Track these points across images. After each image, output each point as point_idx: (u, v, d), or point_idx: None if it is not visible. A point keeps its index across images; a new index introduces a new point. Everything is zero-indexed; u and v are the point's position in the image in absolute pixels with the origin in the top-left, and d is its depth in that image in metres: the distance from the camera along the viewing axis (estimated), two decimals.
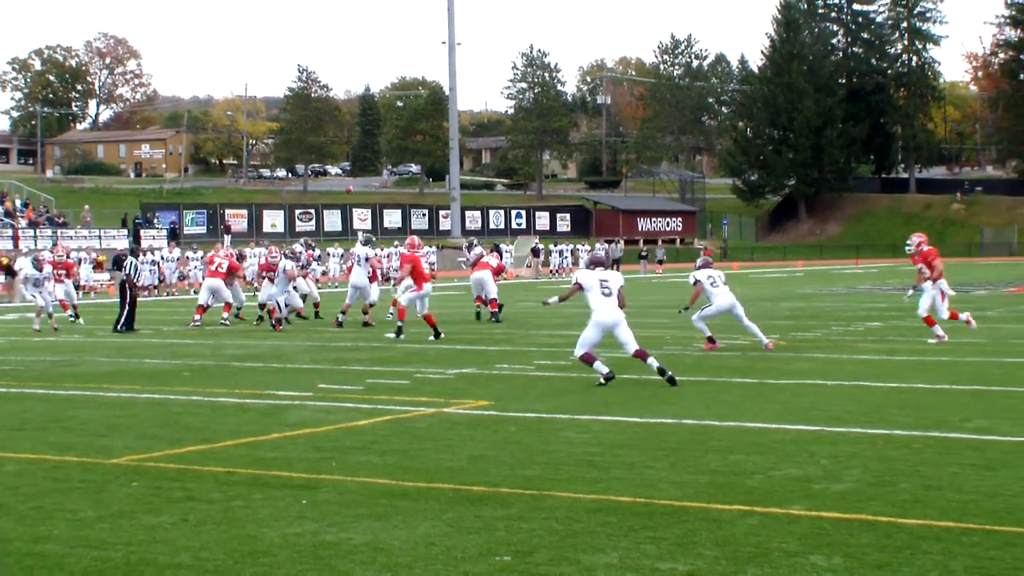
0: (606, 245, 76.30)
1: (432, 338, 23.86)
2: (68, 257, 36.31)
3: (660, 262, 79.27)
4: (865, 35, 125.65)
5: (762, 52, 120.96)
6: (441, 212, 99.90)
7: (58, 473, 10.67)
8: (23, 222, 70.15)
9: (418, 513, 8.82)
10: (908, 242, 23.24)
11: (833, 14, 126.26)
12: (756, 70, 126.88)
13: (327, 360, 20.74)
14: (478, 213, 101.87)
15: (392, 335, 24.56)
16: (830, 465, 10.40)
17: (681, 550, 7.67)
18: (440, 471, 10.40)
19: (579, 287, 16.98)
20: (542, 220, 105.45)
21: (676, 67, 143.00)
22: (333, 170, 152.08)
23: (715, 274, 21.88)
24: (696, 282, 21.74)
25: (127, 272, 29.38)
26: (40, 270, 28.75)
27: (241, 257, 38.99)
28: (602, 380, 16.39)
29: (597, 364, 16.57)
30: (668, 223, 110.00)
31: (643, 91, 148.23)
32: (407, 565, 7.42)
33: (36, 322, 28.22)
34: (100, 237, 69.97)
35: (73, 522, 8.74)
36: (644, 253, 79.90)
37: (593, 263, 17.45)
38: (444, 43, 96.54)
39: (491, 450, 11.46)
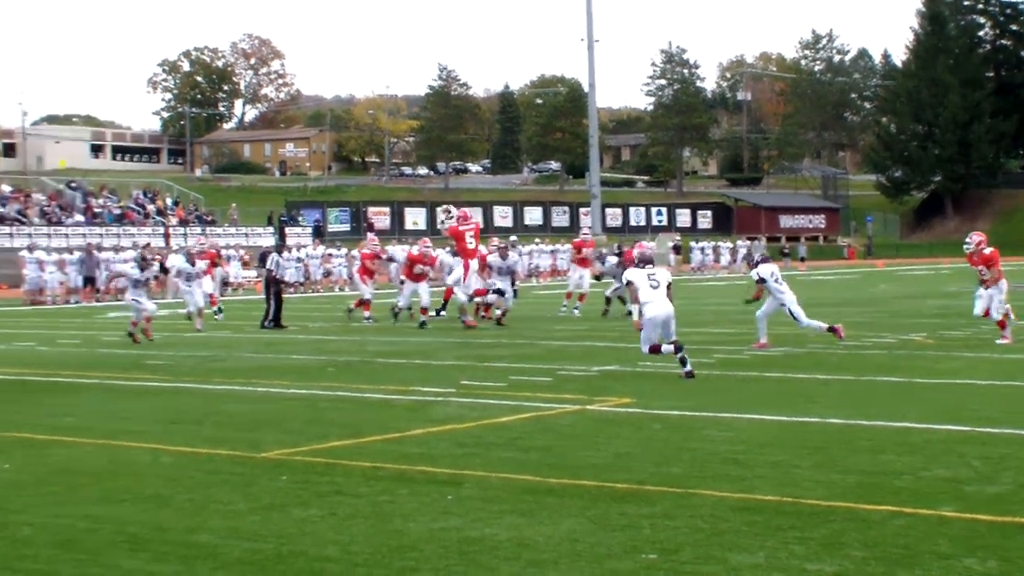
0: (748, 242, 75.78)
1: (433, 313, 26.92)
2: (213, 248, 37.10)
3: (802, 259, 78.48)
4: (1014, 27, 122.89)
5: (906, 46, 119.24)
6: (581, 209, 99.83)
7: (210, 466, 10.89)
8: (173, 220, 71.60)
9: (562, 510, 8.85)
10: (967, 241, 22.65)
11: (980, 6, 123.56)
12: (899, 64, 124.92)
13: (470, 357, 20.86)
14: (618, 210, 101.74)
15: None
16: (982, 467, 10.20)
17: (828, 551, 7.59)
18: (584, 468, 10.41)
19: (631, 285, 17.69)
20: (683, 217, 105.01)
21: (818, 62, 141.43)
22: (474, 168, 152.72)
23: (777, 272, 21.62)
24: (760, 280, 21.45)
25: (270, 268, 29.82)
26: (192, 265, 29.23)
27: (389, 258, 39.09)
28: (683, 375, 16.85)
29: (665, 348, 17.18)
30: (811, 220, 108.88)
31: (784, 87, 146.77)
32: (552, 561, 7.45)
33: (198, 322, 28.57)
34: (247, 235, 71.16)
35: (226, 514, 8.91)
36: (787, 250, 79.20)
37: (642, 261, 17.85)
38: (583, 40, 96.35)
39: (635, 447, 11.45)
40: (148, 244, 47.60)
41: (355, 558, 7.58)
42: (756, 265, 22.01)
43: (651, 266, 17.80)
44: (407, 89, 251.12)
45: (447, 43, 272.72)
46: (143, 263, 24.92)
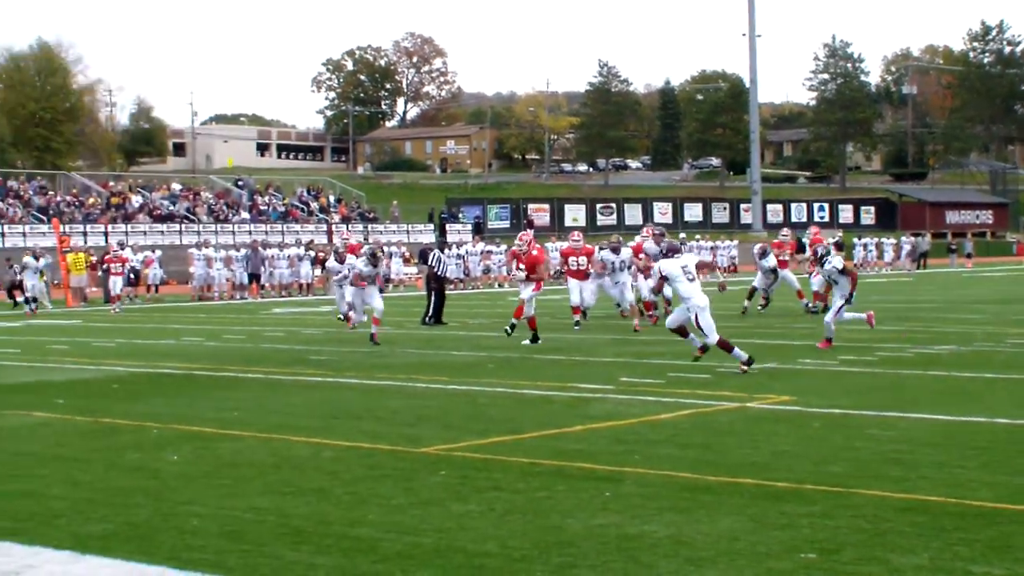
0: (913, 238, 74.48)
1: (528, 342, 22.95)
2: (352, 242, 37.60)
3: (968, 256, 76.90)
4: None
5: None
6: (742, 206, 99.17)
7: (371, 460, 11.03)
8: (336, 217, 72.62)
9: (721, 507, 8.80)
10: None
11: None
12: None
13: (628, 353, 20.83)
14: (779, 206, 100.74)
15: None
16: None
17: (996, 553, 7.43)
18: (742, 466, 10.34)
19: (664, 278, 17.75)
20: (845, 213, 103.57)
21: (987, 54, 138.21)
22: (633, 164, 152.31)
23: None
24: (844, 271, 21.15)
25: (431, 265, 30.05)
26: (341, 263, 29.48)
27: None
28: (743, 367, 17.05)
29: (736, 351, 17.17)
30: (978, 216, 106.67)
31: (951, 80, 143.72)
32: (710, 559, 7.41)
33: (352, 319, 28.61)
34: (408, 232, 71.86)
35: (386, 508, 9.02)
36: (953, 247, 77.66)
37: (671, 251, 17.76)
38: (744, 35, 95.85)
39: (794, 446, 11.34)
40: (377, 241, 48.06)
41: (513, 553, 7.62)
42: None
43: (679, 255, 17.77)
44: (567, 86, 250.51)
45: (608, 39, 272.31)
46: (373, 260, 24.77)
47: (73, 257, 45.31)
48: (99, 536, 8.29)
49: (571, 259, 27.44)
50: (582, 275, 27.17)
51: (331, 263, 30.07)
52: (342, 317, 29.29)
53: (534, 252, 24.39)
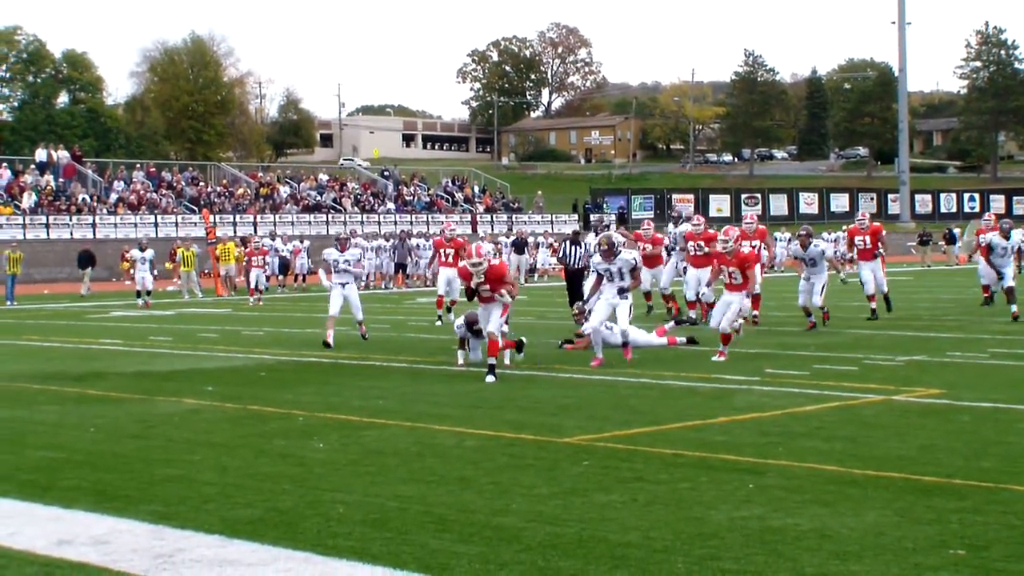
0: None
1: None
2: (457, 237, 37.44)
3: None
4: None
5: None
6: (890, 196, 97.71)
7: (513, 450, 11.08)
8: (480, 208, 73.00)
9: (866, 501, 8.69)
10: None
11: None
12: None
13: (773, 345, 20.65)
14: (928, 197, 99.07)
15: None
16: None
17: None
18: (889, 459, 10.20)
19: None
20: (996, 203, 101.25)
21: None
22: (779, 154, 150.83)
23: None
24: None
25: (560, 256, 29.96)
26: (342, 251, 28.38)
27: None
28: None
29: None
30: None
31: None
32: (856, 554, 7.33)
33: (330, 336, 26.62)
34: (552, 222, 71.99)
35: (529, 497, 9.06)
36: None
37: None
38: (893, 23, 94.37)
39: (943, 439, 11.16)
40: (354, 231, 48.09)
41: (655, 544, 7.61)
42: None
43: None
44: (713, 75, 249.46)
45: (754, 28, 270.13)
46: (341, 244, 23.37)
47: (222, 247, 45.99)
48: (247, 521, 8.45)
49: (691, 244, 24.78)
50: (706, 262, 23.21)
51: (328, 252, 23.66)
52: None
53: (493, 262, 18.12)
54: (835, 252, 29.31)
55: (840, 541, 7.61)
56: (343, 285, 22.76)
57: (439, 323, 26.35)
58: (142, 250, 39.31)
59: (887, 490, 9.05)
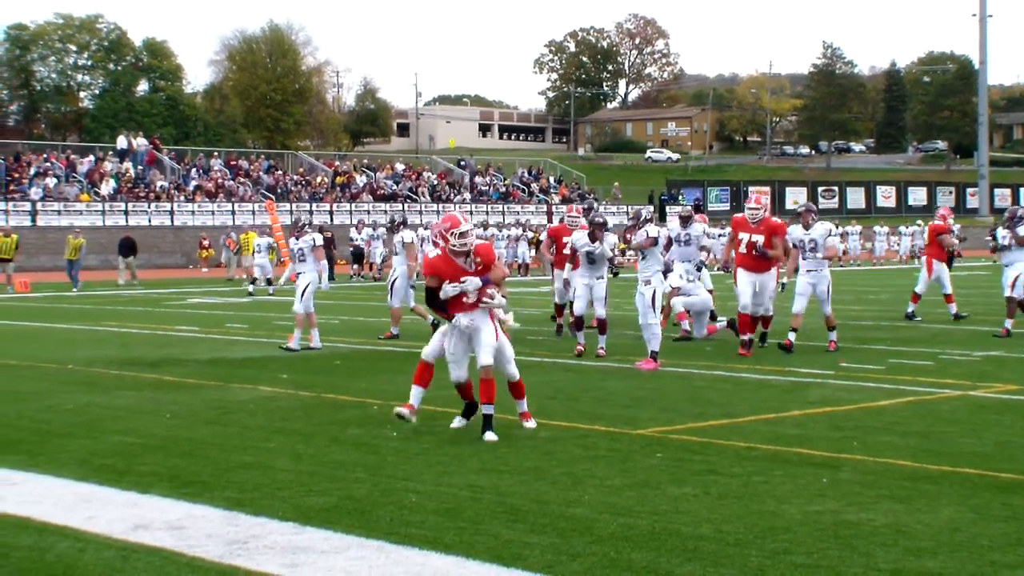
0: None
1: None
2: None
3: None
4: None
5: None
6: (968, 190, 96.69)
7: (587, 441, 11.07)
8: (556, 198, 72.98)
9: (942, 497, 8.62)
10: None
11: None
12: None
13: (849, 339, 20.48)
14: (1007, 191, 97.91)
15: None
16: None
17: None
18: (965, 455, 10.11)
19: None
20: None
21: None
22: (856, 147, 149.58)
23: None
24: None
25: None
26: (298, 238, 27.77)
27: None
28: None
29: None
30: None
31: None
32: (930, 550, 7.27)
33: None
34: (627, 213, 71.82)
35: (601, 488, 9.05)
36: None
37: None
38: (974, 15, 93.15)
39: (1020, 436, 11.04)
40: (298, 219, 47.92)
41: (728, 537, 7.58)
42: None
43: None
44: (790, 67, 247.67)
45: (832, 20, 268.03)
46: (297, 230, 22.41)
47: (243, 237, 45.14)
48: (320, 508, 8.50)
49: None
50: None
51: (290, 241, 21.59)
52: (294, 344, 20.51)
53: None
54: (912, 246, 28.69)
55: (915, 537, 7.55)
56: (299, 275, 20.49)
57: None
58: (263, 236, 39.26)
59: (962, 487, 8.96)
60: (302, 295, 20.01)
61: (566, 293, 20.27)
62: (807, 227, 18.75)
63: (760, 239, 18.32)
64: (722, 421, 12.09)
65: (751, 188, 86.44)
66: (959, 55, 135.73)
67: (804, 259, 18.81)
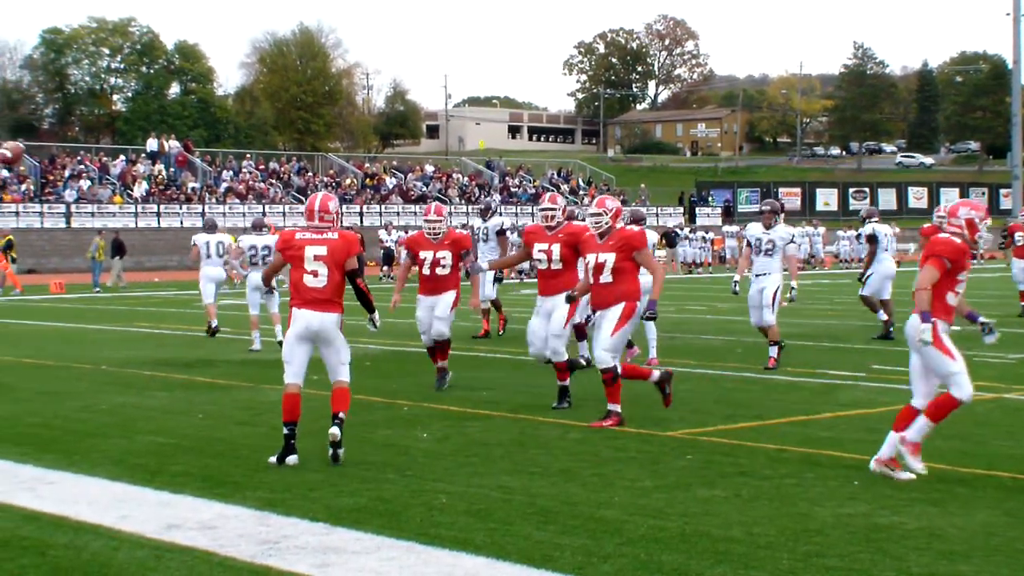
0: None
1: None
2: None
3: None
4: None
5: None
6: (1002, 191, 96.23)
7: (617, 443, 11.07)
8: (586, 200, 72.91)
9: (976, 501, 8.58)
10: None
11: None
12: None
13: (880, 341, 20.42)
14: None
15: None
16: None
17: None
18: (999, 458, 10.06)
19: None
20: None
21: None
22: (888, 148, 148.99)
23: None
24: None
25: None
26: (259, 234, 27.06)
27: None
28: None
29: None
30: None
31: None
32: (964, 554, 7.23)
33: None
34: (657, 215, 71.75)
35: (632, 490, 9.05)
36: None
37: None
38: (1008, 15, 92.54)
39: None
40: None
41: (758, 540, 7.57)
42: None
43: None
44: (821, 68, 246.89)
45: (863, 20, 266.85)
46: (258, 229, 21.97)
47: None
48: (351, 509, 8.52)
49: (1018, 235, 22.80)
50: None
51: (244, 238, 21.49)
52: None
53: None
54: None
55: (949, 541, 7.52)
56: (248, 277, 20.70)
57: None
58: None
59: (997, 490, 8.93)
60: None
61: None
62: (768, 227, 17.34)
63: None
64: (753, 423, 12.07)
65: (781, 189, 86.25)
66: (992, 55, 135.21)
67: (755, 260, 17.39)
